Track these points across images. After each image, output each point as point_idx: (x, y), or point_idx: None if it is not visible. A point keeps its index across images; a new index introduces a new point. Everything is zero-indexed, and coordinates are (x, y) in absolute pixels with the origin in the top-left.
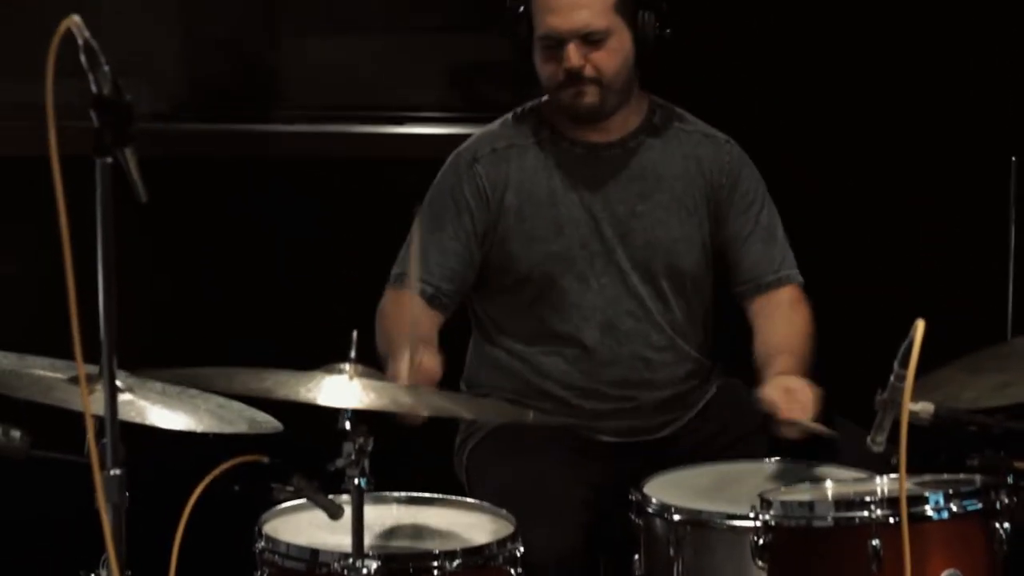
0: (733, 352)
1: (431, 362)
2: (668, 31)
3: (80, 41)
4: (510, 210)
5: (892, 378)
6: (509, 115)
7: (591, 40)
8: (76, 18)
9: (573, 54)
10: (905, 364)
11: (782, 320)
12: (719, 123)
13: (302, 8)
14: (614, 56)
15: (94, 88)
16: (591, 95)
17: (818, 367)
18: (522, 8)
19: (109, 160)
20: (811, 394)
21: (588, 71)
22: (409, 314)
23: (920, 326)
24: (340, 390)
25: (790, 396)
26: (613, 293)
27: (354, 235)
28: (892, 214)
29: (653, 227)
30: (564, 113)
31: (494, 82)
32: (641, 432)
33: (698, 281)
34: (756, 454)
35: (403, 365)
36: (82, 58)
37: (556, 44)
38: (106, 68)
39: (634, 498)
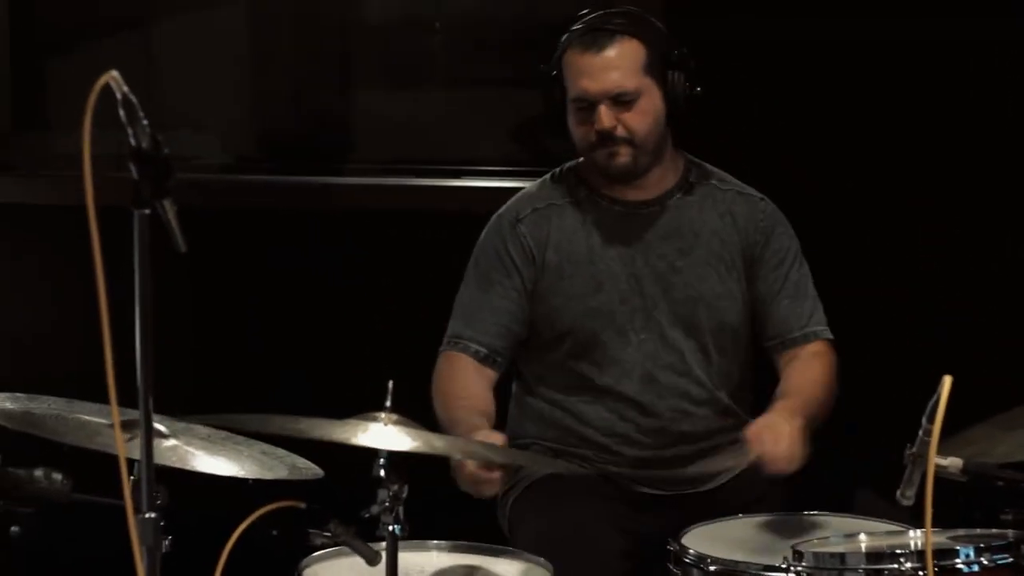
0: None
1: (498, 439)
2: (699, 89)
3: (118, 95)
4: (551, 267)
5: (920, 433)
6: (547, 176)
7: (622, 101)
8: (114, 73)
9: (605, 115)
10: (932, 419)
11: (799, 368)
12: (753, 180)
13: (368, 61)
14: (645, 116)
15: (133, 142)
16: (624, 155)
17: (852, 422)
18: (555, 71)
19: (147, 211)
20: (788, 433)
21: (620, 132)
22: (463, 384)
23: (947, 382)
24: (376, 436)
25: (768, 433)
26: (652, 348)
27: (419, 287)
28: (924, 272)
29: (694, 282)
30: (599, 173)
31: (556, 136)
32: (681, 485)
33: (738, 335)
34: (795, 509)
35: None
36: (121, 112)
37: (588, 106)
38: (144, 122)
39: (672, 548)
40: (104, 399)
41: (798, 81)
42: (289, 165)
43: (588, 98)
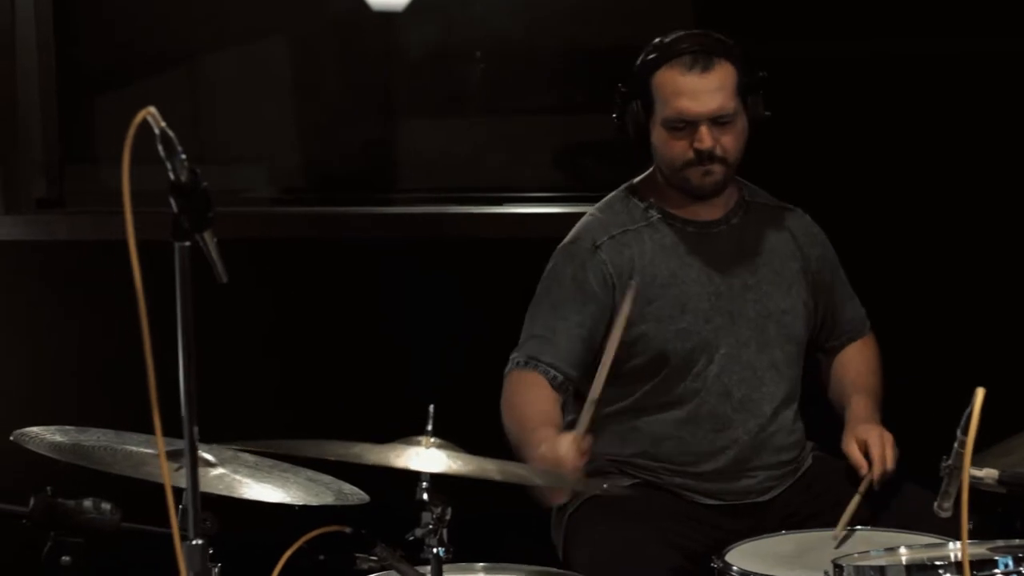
0: (822, 428)
1: (584, 443)
2: (768, 113)
3: (156, 131)
4: (637, 294)
5: (956, 445)
6: (609, 200)
7: (721, 122)
8: (152, 109)
9: (706, 136)
10: (967, 431)
11: (854, 356)
12: (785, 192)
13: (410, 91)
14: (739, 137)
15: (172, 176)
16: (717, 173)
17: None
18: (638, 89)
19: (187, 244)
20: (885, 444)
21: (718, 151)
22: (540, 399)
23: (980, 394)
24: (419, 458)
25: (872, 451)
26: (730, 363)
27: (463, 313)
28: (956, 283)
29: (763, 299)
30: (683, 191)
31: (599, 162)
32: (744, 495)
33: (802, 348)
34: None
35: (563, 445)
36: (159, 147)
37: (685, 125)
38: (183, 156)
39: (716, 566)
40: (152, 431)
41: (820, 94)
42: (335, 196)
43: (688, 118)
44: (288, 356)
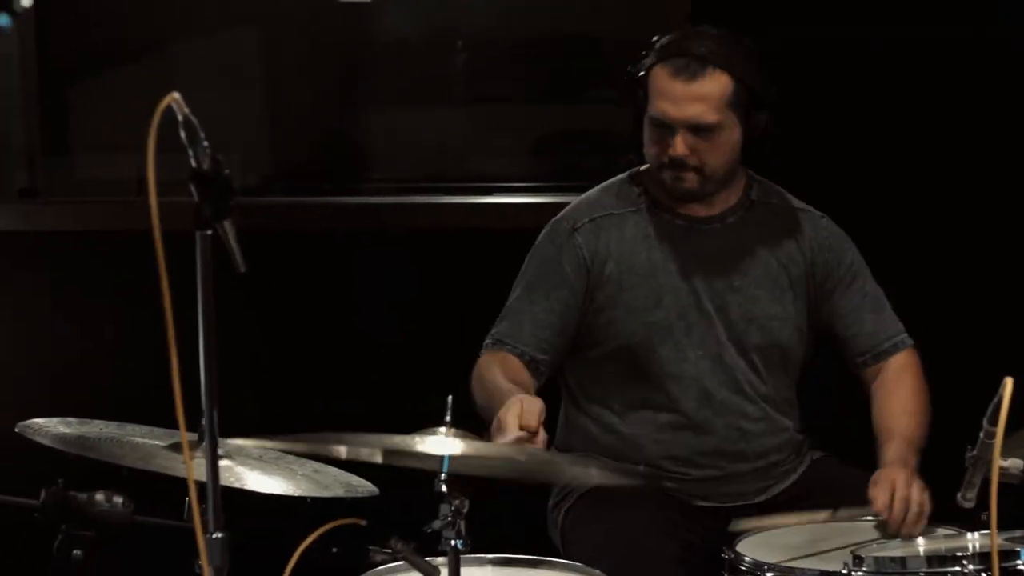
0: (824, 428)
1: (535, 404)
2: (779, 129)
3: (180, 117)
4: (610, 280)
5: (981, 435)
6: (610, 182)
7: (699, 131)
8: (176, 94)
9: (680, 144)
10: (994, 422)
11: (895, 394)
12: (814, 196)
13: (386, 80)
14: (720, 149)
15: (193, 163)
16: (691, 181)
17: None
18: (641, 74)
19: (208, 233)
20: (918, 500)
21: (692, 160)
22: (510, 370)
23: (1009, 383)
24: (439, 447)
25: (900, 505)
26: (709, 364)
27: (440, 305)
28: (985, 273)
29: (748, 302)
30: (668, 189)
31: (580, 151)
32: (736, 497)
33: (790, 356)
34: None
35: (511, 413)
36: (182, 133)
37: (665, 127)
38: (205, 143)
39: (727, 556)
40: (149, 421)
41: (850, 84)
42: (310, 187)
43: (667, 121)
44: (269, 350)
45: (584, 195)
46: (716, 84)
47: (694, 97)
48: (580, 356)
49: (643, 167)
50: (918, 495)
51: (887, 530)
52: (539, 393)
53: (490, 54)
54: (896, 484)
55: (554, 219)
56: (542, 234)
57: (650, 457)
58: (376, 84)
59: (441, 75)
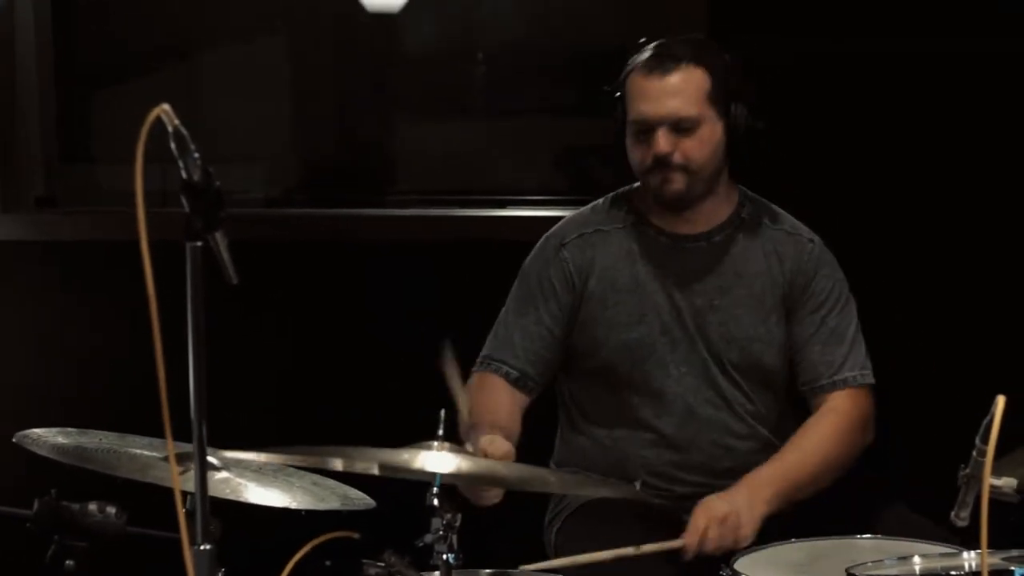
0: None
1: (498, 451)
2: (760, 124)
3: (170, 128)
4: (594, 295)
5: (974, 453)
6: (601, 200)
7: (681, 128)
8: (166, 106)
9: (662, 140)
10: (986, 440)
11: (804, 429)
12: (810, 218)
13: (410, 92)
14: (703, 145)
15: (184, 174)
16: (678, 182)
17: (903, 444)
18: (618, 92)
19: (199, 244)
20: (732, 529)
21: (676, 158)
22: (491, 400)
23: (1001, 402)
24: (432, 461)
25: (712, 526)
26: (693, 382)
27: (461, 317)
28: (978, 291)
29: (728, 322)
30: (652, 199)
31: (601, 164)
32: None
33: (774, 376)
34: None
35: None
36: (172, 145)
37: (647, 129)
38: (196, 155)
39: (725, 574)
40: (153, 433)
41: (852, 101)
42: (333, 198)
43: (647, 121)
44: (285, 361)
45: (576, 212)
46: (691, 77)
47: (670, 91)
48: (570, 372)
49: (633, 185)
50: (718, 532)
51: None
52: (539, 410)
53: (512, 67)
54: (712, 519)
55: (545, 235)
56: (533, 250)
57: (636, 473)
58: (400, 96)
59: (463, 87)
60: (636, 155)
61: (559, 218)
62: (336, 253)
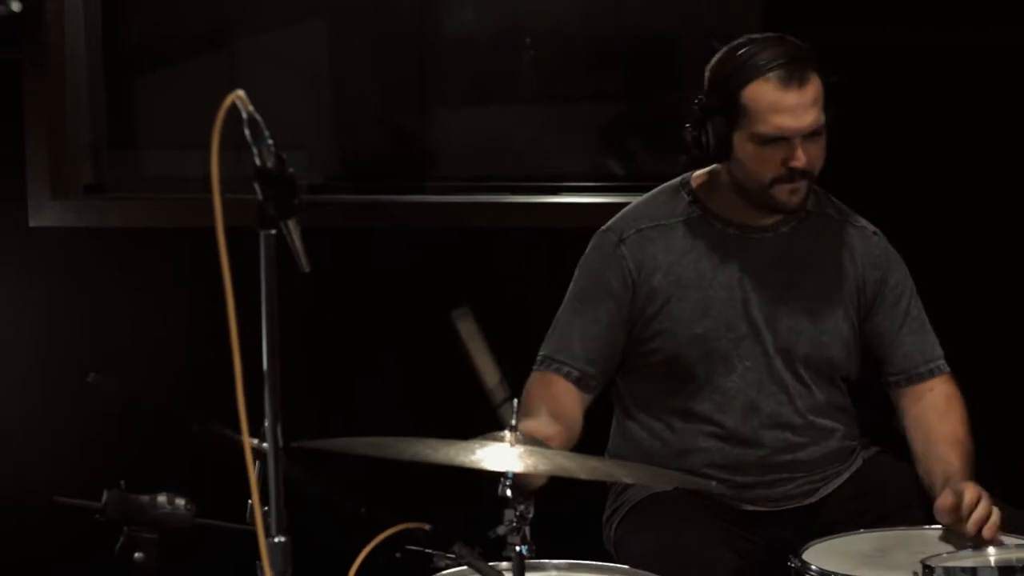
0: (880, 423)
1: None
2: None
3: (244, 115)
4: (657, 291)
5: None
6: (658, 190)
7: (813, 136)
8: (241, 92)
9: (802, 153)
10: None
11: (939, 418)
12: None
13: (454, 78)
14: (823, 150)
15: (258, 161)
16: (803, 190)
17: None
18: (723, 102)
19: (273, 232)
20: (984, 505)
21: (807, 166)
22: (553, 400)
23: None
24: (502, 456)
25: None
26: (756, 376)
27: (505, 305)
28: None
29: (799, 314)
30: (765, 207)
31: (648, 151)
32: (783, 501)
33: (839, 368)
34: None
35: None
36: (246, 132)
37: (775, 140)
38: (270, 141)
39: (793, 565)
40: (210, 417)
41: (909, 91)
42: (376, 184)
43: (786, 135)
44: (329, 350)
45: (631, 205)
46: (817, 85)
47: (809, 103)
48: (630, 365)
49: (694, 174)
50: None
51: (962, 533)
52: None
53: (558, 52)
54: (978, 493)
55: (600, 230)
56: (589, 245)
57: (694, 465)
58: (444, 82)
59: (509, 73)
60: (760, 166)
61: (606, 204)
62: (380, 239)
